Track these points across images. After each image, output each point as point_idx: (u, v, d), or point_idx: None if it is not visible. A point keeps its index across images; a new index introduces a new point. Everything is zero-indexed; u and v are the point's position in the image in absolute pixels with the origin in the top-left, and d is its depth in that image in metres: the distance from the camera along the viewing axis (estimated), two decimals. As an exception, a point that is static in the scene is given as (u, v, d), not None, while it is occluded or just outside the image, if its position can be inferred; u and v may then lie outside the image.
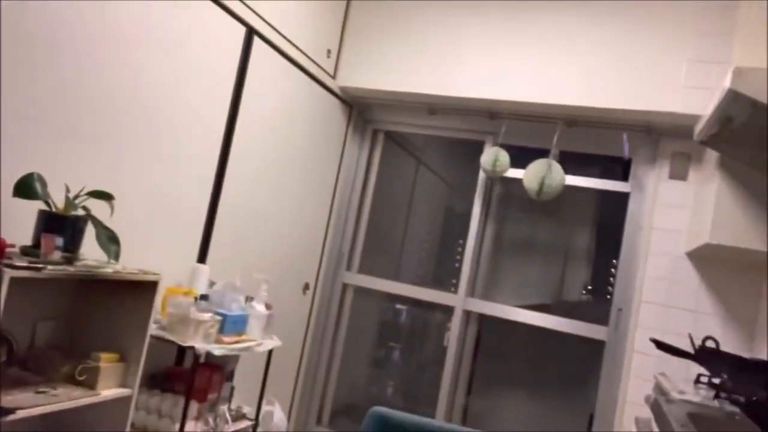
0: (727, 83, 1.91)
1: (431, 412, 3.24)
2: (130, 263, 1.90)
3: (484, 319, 3.35)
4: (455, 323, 3.26)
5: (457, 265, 3.36)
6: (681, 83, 2.72)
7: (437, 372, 3.29)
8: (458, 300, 3.27)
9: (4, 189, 1.61)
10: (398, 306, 3.90)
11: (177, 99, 2.27)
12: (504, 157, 3.10)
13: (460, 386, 3.36)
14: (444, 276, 3.78)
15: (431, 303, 3.42)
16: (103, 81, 1.95)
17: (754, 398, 1.52)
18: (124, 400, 1.80)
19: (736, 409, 1.71)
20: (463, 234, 3.35)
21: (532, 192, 2.98)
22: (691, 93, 2.69)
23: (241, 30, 2.54)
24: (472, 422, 3.42)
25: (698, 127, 2.47)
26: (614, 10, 2.88)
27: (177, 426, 2.04)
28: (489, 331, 3.46)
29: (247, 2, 2.53)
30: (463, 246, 3.34)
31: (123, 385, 1.80)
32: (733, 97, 1.93)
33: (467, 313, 3.29)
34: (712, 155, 2.52)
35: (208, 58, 2.39)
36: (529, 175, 3.00)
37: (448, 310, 3.32)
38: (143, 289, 1.83)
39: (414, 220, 4.26)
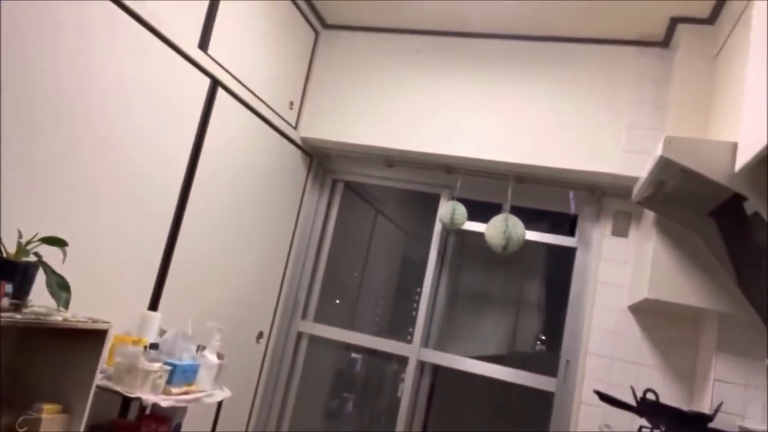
0: (659, 151, 2.07)
1: (384, 465, 3.20)
2: (80, 310, 1.86)
3: (438, 369, 3.37)
4: (409, 374, 3.27)
5: (414, 313, 3.40)
6: (621, 147, 2.92)
7: (390, 423, 3.27)
8: (413, 350, 3.29)
9: (-48, 233, 1.58)
10: (353, 355, 3.88)
11: (137, 146, 2.29)
12: (461, 210, 3.21)
13: (413, 438, 3.34)
14: (400, 324, 3.80)
15: (387, 352, 3.43)
16: (61, 126, 1.96)
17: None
18: (65, 454, 1.73)
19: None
20: (420, 283, 3.41)
21: (498, 248, 3.06)
22: (629, 156, 2.89)
23: (206, 81, 2.60)
24: (424, 475, 3.38)
25: (636, 188, 2.64)
26: (564, 76, 3.10)
27: (118, 481, 1.96)
28: (443, 381, 3.47)
29: (212, 54, 2.60)
30: (420, 294, 3.39)
31: (64, 437, 1.74)
32: (664, 164, 2.10)
33: (421, 364, 3.32)
34: (649, 214, 2.69)
35: (171, 107, 2.43)
36: (491, 232, 3.09)
37: (403, 360, 3.33)
38: (92, 338, 1.80)
39: (371, 269, 4.30)
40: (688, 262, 2.48)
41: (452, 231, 3.36)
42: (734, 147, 1.88)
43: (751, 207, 2.04)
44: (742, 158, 1.76)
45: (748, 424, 2.31)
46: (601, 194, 3.13)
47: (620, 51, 3.03)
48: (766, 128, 1.51)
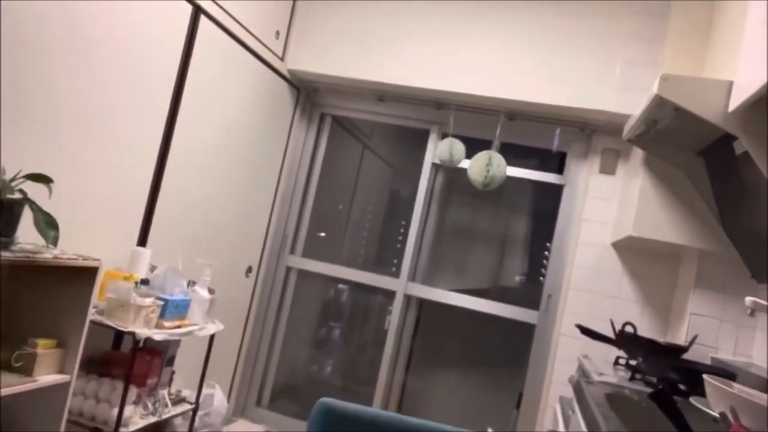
0: (654, 89, 2.05)
1: (370, 391, 3.34)
2: (69, 247, 1.85)
3: (424, 302, 3.46)
4: (396, 307, 3.35)
5: (399, 246, 3.44)
6: (614, 84, 2.88)
7: (377, 352, 3.38)
8: (400, 285, 3.36)
9: (-69, 169, 1.53)
10: (341, 286, 3.95)
11: (119, 79, 2.20)
12: (459, 147, 3.20)
13: (398, 366, 3.47)
14: (386, 257, 3.86)
15: (374, 286, 3.50)
16: (42, 61, 1.87)
17: (660, 386, 1.68)
18: (62, 387, 1.77)
19: (647, 390, 1.87)
20: (406, 217, 3.43)
21: (477, 183, 3.09)
22: (623, 93, 2.86)
23: (188, 8, 2.48)
24: (409, 399, 3.55)
25: (627, 126, 2.63)
26: (557, 10, 3.00)
27: (115, 411, 2.02)
28: (428, 314, 3.58)
29: (194, -20, 2.46)
30: (406, 228, 3.43)
31: (61, 371, 1.78)
32: (659, 102, 2.08)
33: (408, 297, 3.39)
34: (638, 153, 2.70)
35: (153, 37, 2.32)
36: (474, 169, 3.11)
37: (389, 294, 3.41)
38: (82, 275, 1.80)
39: (358, 204, 4.31)
40: (673, 200, 2.52)
41: (449, 168, 3.35)
42: (730, 86, 1.86)
43: (740, 147, 2.04)
44: (737, 98, 1.75)
45: (720, 355, 2.43)
46: (591, 132, 3.12)
47: (618, -18, 2.93)
48: (766, 68, 1.49)
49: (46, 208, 1.68)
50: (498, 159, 3.09)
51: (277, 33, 3.20)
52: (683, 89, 1.99)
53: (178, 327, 2.23)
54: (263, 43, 3.06)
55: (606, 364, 2.47)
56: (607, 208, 3.07)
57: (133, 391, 2.14)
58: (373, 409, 1.00)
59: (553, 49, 2.98)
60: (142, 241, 2.48)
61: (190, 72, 2.56)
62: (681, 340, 2.53)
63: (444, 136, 3.29)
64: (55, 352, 1.76)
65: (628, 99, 2.83)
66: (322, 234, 3.94)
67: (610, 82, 2.89)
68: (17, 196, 1.64)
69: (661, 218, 2.51)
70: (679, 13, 2.71)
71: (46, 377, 1.71)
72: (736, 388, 1.48)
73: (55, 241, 1.67)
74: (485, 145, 3.19)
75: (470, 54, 3.09)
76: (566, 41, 2.97)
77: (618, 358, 2.52)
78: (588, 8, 2.96)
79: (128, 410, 2.07)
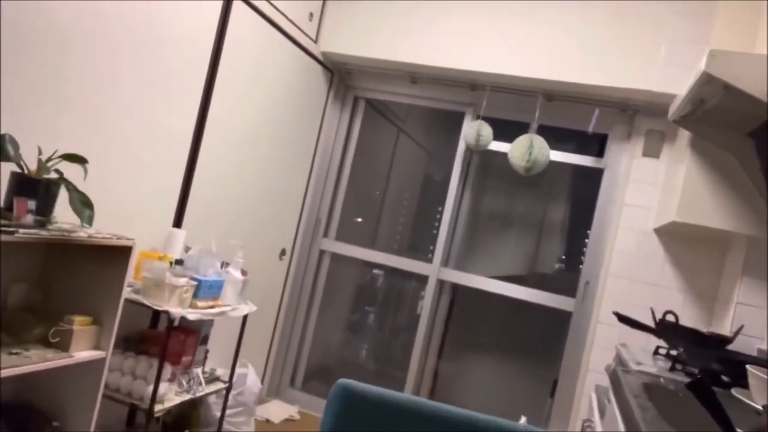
0: (702, 65, 1.94)
1: (402, 376, 3.33)
2: (105, 227, 1.89)
3: (457, 288, 3.42)
4: (429, 292, 3.33)
5: (435, 232, 3.40)
6: (659, 62, 2.75)
7: (410, 337, 3.37)
8: (433, 269, 3.33)
9: (-27, 150, 1.58)
10: (375, 271, 3.95)
11: (154, 61, 2.22)
12: (487, 130, 3.12)
13: (431, 351, 3.45)
14: (421, 243, 3.83)
15: (407, 271, 3.47)
16: (80, 42, 1.90)
17: (698, 375, 1.60)
18: (98, 363, 1.82)
19: (687, 381, 1.80)
20: (441, 202, 3.39)
21: (519, 168, 3.00)
22: (668, 72, 2.73)
23: (220, -9, 2.48)
24: (442, 385, 3.53)
25: (673, 106, 2.51)
26: (598, -16, 2.87)
27: (150, 387, 2.07)
28: (463, 300, 3.54)
29: (227, -38, 2.46)
30: (441, 214, 3.38)
31: (97, 347, 1.83)
32: (706, 80, 1.97)
33: (441, 282, 3.36)
34: (684, 135, 2.58)
35: (187, 18, 2.33)
36: (516, 153, 3.01)
37: (423, 279, 3.38)
38: (117, 254, 1.84)
39: (393, 188, 4.28)
40: (720, 184, 2.40)
41: (477, 151, 3.28)
42: (784, 62, 1.74)
43: (795, 127, 1.92)
44: (792, 74, 1.64)
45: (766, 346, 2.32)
46: (634, 112, 3.00)
47: (666, -46, 2.78)
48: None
49: (82, 188, 1.72)
50: (540, 142, 3.00)
51: (311, 15, 3.18)
52: (733, 65, 1.88)
53: (212, 307, 2.26)
54: (297, 25, 3.04)
55: (645, 354, 2.38)
56: (650, 192, 2.95)
57: (168, 369, 2.18)
58: (393, 392, 0.98)
59: (593, 26, 2.86)
60: (177, 222, 2.52)
61: (224, 55, 2.57)
62: (726, 330, 2.42)
63: (479, 118, 3.22)
64: (90, 329, 1.81)
65: (673, 77, 2.69)
66: (359, 219, 3.94)
67: (654, 60, 2.75)
68: (54, 176, 1.68)
69: (707, 203, 2.39)
70: (730, -14, 2.55)
71: (81, 353, 1.76)
72: (783, 380, 1.39)
73: (90, 221, 1.70)
74: (523, 127, 3.10)
75: (506, 33, 3.00)
76: (608, 17, 2.85)
77: (658, 347, 2.43)
78: (632, -17, 2.82)
79: (163, 387, 2.12)
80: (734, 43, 2.49)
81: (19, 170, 1.62)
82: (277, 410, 3.31)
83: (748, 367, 1.33)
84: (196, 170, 2.56)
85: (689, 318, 2.75)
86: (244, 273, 2.49)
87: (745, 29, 2.50)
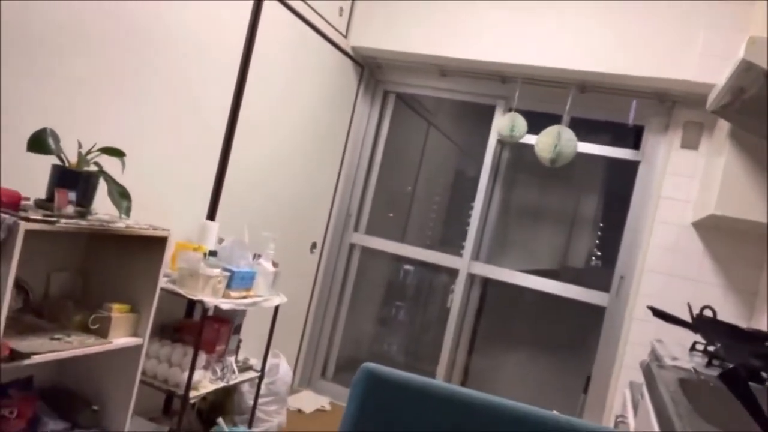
0: (741, 53, 1.88)
1: (433, 369, 3.34)
2: (142, 219, 1.95)
3: (489, 282, 3.40)
4: (459, 285, 3.32)
5: (466, 228, 3.39)
6: (697, 51, 2.67)
7: (440, 331, 3.37)
8: (463, 263, 3.31)
9: (19, 144, 1.64)
10: (405, 266, 3.96)
11: (188, 56, 2.27)
12: (521, 122, 3.09)
13: (461, 346, 3.44)
14: (452, 238, 3.82)
15: (437, 265, 3.47)
16: (116, 37, 1.96)
17: (731, 366, 1.56)
18: (135, 349, 1.88)
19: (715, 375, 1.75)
20: (472, 196, 3.37)
21: (546, 161, 2.98)
22: (706, 61, 2.65)
23: (252, -13, 2.52)
24: (472, 379, 3.52)
25: (711, 96, 2.44)
26: (634, -28, 2.80)
27: (186, 374, 2.13)
28: (494, 294, 3.51)
29: (258, -42, 2.49)
30: (472, 208, 3.36)
31: (134, 334, 1.89)
32: (746, 67, 1.90)
33: (471, 276, 3.35)
34: (724, 126, 2.50)
35: (220, 14, 2.38)
36: (541, 144, 2.99)
37: (453, 273, 3.37)
38: (154, 244, 1.89)
39: (423, 183, 4.28)
40: (760, 176, 2.32)
41: (510, 144, 3.25)
42: (829, 47, 1.67)
43: (841, 115, 1.84)
44: (838, 59, 1.57)
45: (811, 344, 2.23)
46: (672, 103, 2.92)
47: (705, -61, 2.70)
48: None
49: (120, 181, 1.77)
50: (568, 134, 2.96)
51: (341, 10, 3.20)
52: (775, 52, 1.81)
53: (244, 297, 2.31)
54: (327, 20, 3.07)
55: (682, 350, 2.32)
56: (689, 185, 2.87)
57: (202, 357, 2.24)
58: (421, 377, 0.99)
59: (627, 15, 2.80)
60: (211, 214, 2.58)
61: (255, 50, 2.61)
62: (766, 326, 2.34)
63: (510, 111, 3.19)
64: (128, 316, 1.86)
65: (712, 66, 2.61)
66: (390, 215, 3.95)
67: (692, 48, 2.68)
68: (93, 168, 1.74)
69: (747, 195, 2.32)
70: (774, -30, 2.46)
71: (120, 339, 1.82)
72: (827, 377, 1.34)
73: (127, 211, 1.75)
74: (554, 120, 3.06)
75: (537, 24, 2.95)
76: (642, 6, 2.77)
77: (695, 343, 2.37)
78: (669, -30, 2.75)
79: (198, 374, 2.17)
80: (777, 30, 2.39)
81: (60, 163, 1.68)
82: (309, 400, 3.35)
83: (787, 361, 1.29)
84: (229, 164, 2.61)
85: (728, 314, 2.67)
86: (275, 264, 2.53)
87: (789, 15, 2.40)
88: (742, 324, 2.57)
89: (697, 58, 2.67)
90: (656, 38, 2.74)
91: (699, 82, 2.66)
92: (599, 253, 3.53)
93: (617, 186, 3.18)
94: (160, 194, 2.29)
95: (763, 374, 1.71)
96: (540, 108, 3.18)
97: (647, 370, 2.00)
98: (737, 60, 1.93)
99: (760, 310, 2.55)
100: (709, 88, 2.58)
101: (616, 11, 2.82)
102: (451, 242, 3.75)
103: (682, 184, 2.89)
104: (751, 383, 1.29)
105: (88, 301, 1.87)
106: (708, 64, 2.64)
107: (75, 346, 1.65)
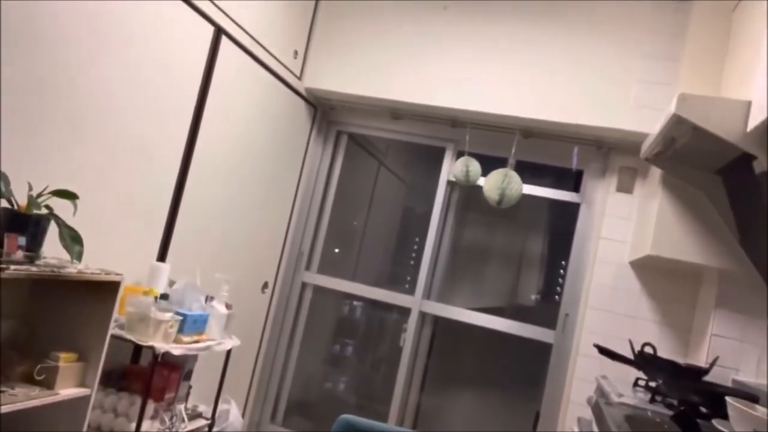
0: (672, 108, 2.05)
1: (385, 409, 3.32)
2: (91, 262, 1.89)
3: (439, 321, 3.45)
4: (411, 324, 3.35)
5: (412, 263, 3.44)
6: (631, 102, 2.88)
7: (391, 370, 3.37)
8: (415, 302, 3.36)
9: (-37, 185, 1.57)
10: (356, 303, 3.95)
11: (142, 97, 2.25)
12: (476, 166, 3.21)
13: (413, 385, 3.45)
14: (400, 274, 3.86)
15: (389, 303, 3.49)
16: (67, 78, 1.92)
17: (681, 408, 1.65)
18: (83, 400, 1.79)
19: (668, 413, 1.85)
20: (421, 234, 3.43)
21: (493, 201, 3.10)
22: (639, 112, 2.86)
23: (210, 29, 2.54)
24: (424, 419, 3.52)
25: (645, 145, 2.63)
26: (573, 29, 3.02)
27: (133, 425, 2.04)
28: (444, 332, 3.56)
29: (216, 2, 2.53)
30: (421, 245, 3.43)
31: (81, 384, 1.80)
32: (677, 121, 2.07)
33: (423, 315, 3.39)
34: (656, 172, 2.69)
35: (175, 57, 2.38)
36: (489, 186, 3.12)
37: (404, 311, 3.40)
38: (105, 289, 1.83)
39: (373, 221, 4.33)
40: (691, 219, 2.50)
41: (466, 187, 3.36)
42: (748, 106, 1.86)
43: (759, 166, 2.03)
44: (756, 118, 1.75)
45: (741, 377, 2.39)
46: (608, 150, 3.12)
47: (635, 3, 2.94)
48: (785, 89, 1.49)
49: (69, 223, 1.72)
50: (513, 177, 3.10)
51: (296, 53, 3.26)
52: (701, 109, 1.99)
53: (197, 342, 2.25)
54: (282, 62, 3.11)
55: (625, 385, 2.43)
56: (625, 226, 3.05)
57: (150, 406, 2.15)
58: (394, 427, 1.00)
59: (568, 68, 3.00)
60: (162, 256, 2.51)
61: (211, 90, 2.61)
62: (701, 361, 2.49)
63: (460, 153, 3.31)
64: (76, 365, 1.78)
65: (645, 117, 2.83)
66: (336, 250, 3.96)
67: (626, 100, 2.89)
68: (44, 211, 1.68)
69: (679, 237, 2.49)
70: (695, 33, 2.71)
71: (67, 390, 1.73)
72: (760, 410, 1.45)
73: (79, 257, 1.70)
74: (502, 163, 3.20)
75: (486, 72, 3.11)
76: (582, 60, 2.99)
77: (638, 379, 2.49)
78: (604, 28, 2.97)
79: (146, 425, 2.09)
80: (701, 86, 2.63)
81: (9, 206, 1.62)
82: (258, 447, 3.25)
83: (727, 398, 1.39)
84: (182, 204, 2.57)
85: (666, 350, 2.82)
86: (228, 307, 2.48)
87: (711, 72, 2.64)
88: (680, 359, 2.72)
89: (631, 109, 2.88)
90: (594, 90, 2.94)
91: (633, 131, 2.86)
92: (545, 291, 3.66)
93: (561, 226, 3.33)
94: (109, 236, 2.22)
95: (702, 409, 1.82)
96: (488, 151, 3.32)
97: (596, 408, 2.08)
98: (669, 113, 2.10)
99: (695, 345, 2.71)
100: (642, 136, 2.79)
101: (558, 63, 3.01)
102: (401, 279, 3.79)
103: (620, 225, 3.06)
104: (698, 420, 1.37)
105: (34, 350, 1.78)
106: (641, 115, 2.86)
107: (19, 399, 1.56)
